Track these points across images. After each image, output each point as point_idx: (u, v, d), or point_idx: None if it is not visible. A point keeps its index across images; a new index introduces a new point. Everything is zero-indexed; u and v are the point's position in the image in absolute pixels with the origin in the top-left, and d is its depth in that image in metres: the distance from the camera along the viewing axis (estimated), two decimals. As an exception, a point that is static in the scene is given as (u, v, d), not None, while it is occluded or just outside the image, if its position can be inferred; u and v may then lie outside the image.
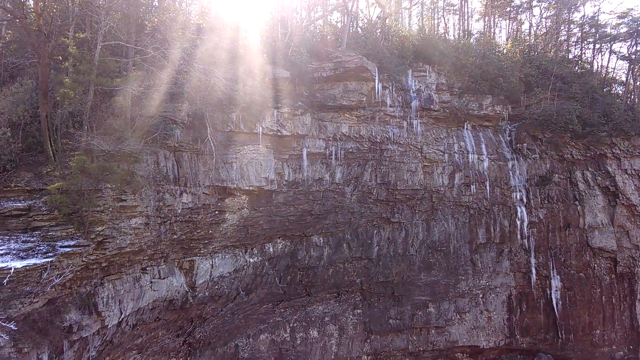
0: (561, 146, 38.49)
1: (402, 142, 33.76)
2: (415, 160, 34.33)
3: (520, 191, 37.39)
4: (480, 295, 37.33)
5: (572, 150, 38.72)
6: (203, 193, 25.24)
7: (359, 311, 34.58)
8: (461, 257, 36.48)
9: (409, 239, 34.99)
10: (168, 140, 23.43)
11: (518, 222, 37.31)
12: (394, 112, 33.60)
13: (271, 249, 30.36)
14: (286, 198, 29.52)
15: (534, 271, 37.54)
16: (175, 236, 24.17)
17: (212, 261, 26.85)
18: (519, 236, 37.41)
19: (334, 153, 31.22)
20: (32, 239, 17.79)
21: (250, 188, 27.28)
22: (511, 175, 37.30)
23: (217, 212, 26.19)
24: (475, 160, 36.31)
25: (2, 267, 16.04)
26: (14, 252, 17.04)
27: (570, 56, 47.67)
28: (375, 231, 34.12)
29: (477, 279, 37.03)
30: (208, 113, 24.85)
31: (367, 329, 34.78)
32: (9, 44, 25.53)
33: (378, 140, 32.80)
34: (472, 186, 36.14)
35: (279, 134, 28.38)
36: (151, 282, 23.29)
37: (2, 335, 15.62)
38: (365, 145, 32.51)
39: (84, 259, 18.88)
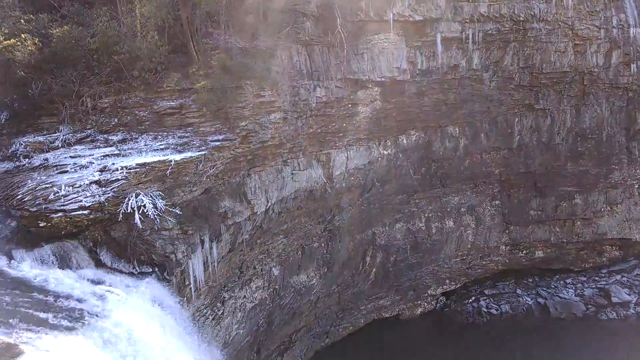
0: None
1: (549, 19, 30.29)
2: (564, 38, 30.83)
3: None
4: (636, 186, 34.31)
5: None
6: (335, 86, 25.38)
7: (497, 202, 33.81)
8: (615, 145, 33.34)
9: (554, 127, 32.54)
10: (299, 34, 23.55)
11: (685, 105, 32.76)
12: (540, -16, 30.00)
13: (405, 141, 30.18)
14: (419, 88, 28.65)
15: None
16: (311, 130, 24.94)
17: (347, 154, 27.48)
18: (685, 120, 33.02)
19: (470, 36, 29.07)
20: (186, 135, 19.51)
21: (382, 79, 26.81)
22: (682, 50, 32.23)
23: (350, 105, 26.35)
24: (637, 34, 31.70)
25: (164, 160, 17.95)
26: (172, 146, 18.90)
27: None
28: (516, 119, 32.16)
29: (632, 169, 33.92)
30: (337, 2, 24.29)
31: (505, 220, 34.12)
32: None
33: (521, 18, 29.75)
34: (632, 65, 31.96)
35: (410, 19, 26.99)
36: (292, 174, 24.65)
37: (169, 219, 17.78)
38: (507, 26, 29.74)
39: (232, 152, 20.42)
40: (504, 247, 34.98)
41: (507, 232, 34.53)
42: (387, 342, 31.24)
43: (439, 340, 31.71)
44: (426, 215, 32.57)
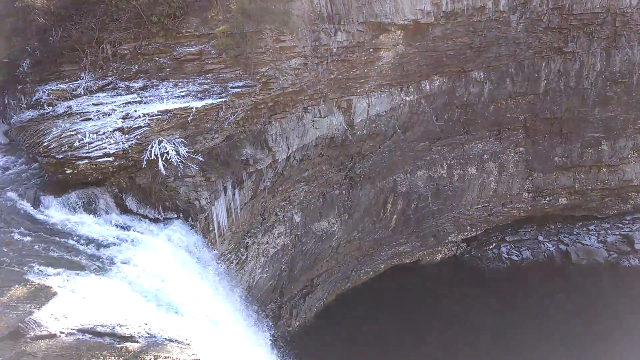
0: None
1: (581, -44, 28.82)
2: (596, -23, 29.37)
3: None
4: (665, 132, 33.40)
5: None
6: (357, 30, 24.71)
7: (521, 149, 33.30)
8: (646, 90, 32.24)
9: (583, 71, 31.45)
10: (320, -24, 22.79)
11: None
12: None
13: (427, 87, 29.55)
14: (443, 31, 27.74)
15: None
16: (332, 76, 24.54)
17: (369, 100, 27.09)
18: None
19: (498, -24, 27.84)
20: (206, 81, 19.38)
21: (405, 22, 25.97)
22: None
23: (371, 50, 25.72)
24: (675, -29, 30.00)
25: (185, 107, 17.96)
26: (193, 93, 18.84)
27: None
28: (543, 63, 31.11)
29: (663, 114, 32.88)
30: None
31: (529, 166, 33.69)
32: None
33: (551, -44, 28.34)
34: (668, 5, 30.39)
35: (435, -42, 25.87)
36: (313, 121, 24.47)
37: (192, 165, 17.96)
38: (536, -36, 28.40)
39: (252, 98, 20.29)
40: (526, 194, 34.72)
41: (531, 179, 34.16)
42: (406, 287, 31.81)
43: (459, 286, 32.14)
44: (448, 162, 32.31)
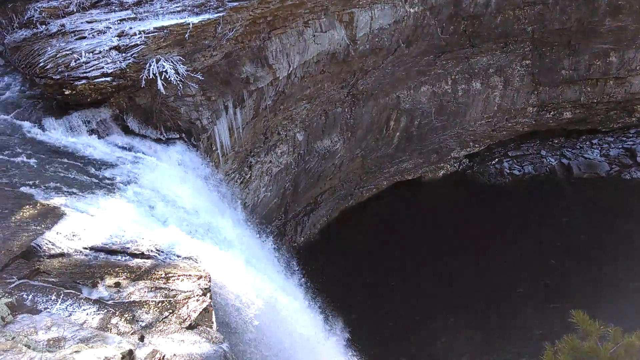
0: None
1: None
2: None
3: None
4: (676, 43, 32.42)
5: None
6: (359, -64, 23.39)
7: (527, 62, 32.50)
8: (660, -3, 30.90)
9: (595, -23, 30.07)
10: None
11: None
12: None
13: (433, -3, 28.37)
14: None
15: None
16: (333, -13, 23.51)
17: (372, 13, 26.06)
18: None
19: None
20: (202, -5, 18.60)
21: None
22: None
23: (375, -42, 24.50)
24: None
25: (182, 23, 17.35)
26: (189, 8, 18.18)
27: None
28: (554, -30, 29.69)
29: (674, 23, 31.74)
30: None
31: (535, 80, 33.05)
32: None
33: None
34: None
35: None
36: (314, 36, 23.70)
37: (192, 84, 17.63)
38: None
39: (250, 13, 19.53)
40: (531, 108, 34.32)
41: (536, 92, 33.63)
42: (409, 203, 32.29)
43: (461, 201, 32.61)
44: (453, 77, 31.67)
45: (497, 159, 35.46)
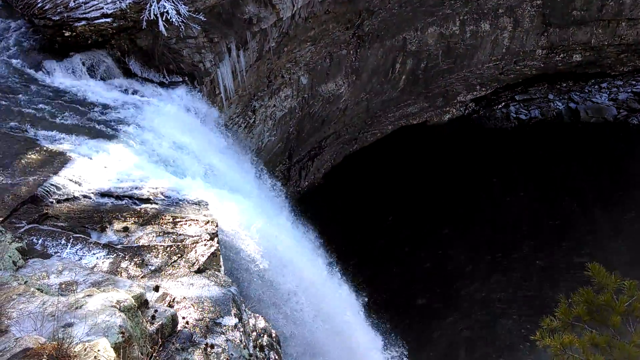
0: None
1: None
2: None
3: None
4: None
5: None
6: None
7: (538, 2, 31.40)
8: None
9: None
10: None
11: None
12: None
13: None
14: None
15: None
16: None
17: (379, -51, 25.07)
18: None
19: None
20: None
21: None
22: None
23: None
24: None
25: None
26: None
27: None
28: None
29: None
30: None
31: (545, 21, 32.07)
32: None
33: None
34: None
35: None
36: (318, -26, 22.88)
37: (194, 25, 17.17)
38: None
39: (253, -51, 18.78)
40: (540, 50, 33.49)
41: (546, 34, 32.71)
42: (414, 147, 32.14)
43: (466, 145, 32.42)
44: (461, 17, 30.71)
45: (503, 103, 34.97)
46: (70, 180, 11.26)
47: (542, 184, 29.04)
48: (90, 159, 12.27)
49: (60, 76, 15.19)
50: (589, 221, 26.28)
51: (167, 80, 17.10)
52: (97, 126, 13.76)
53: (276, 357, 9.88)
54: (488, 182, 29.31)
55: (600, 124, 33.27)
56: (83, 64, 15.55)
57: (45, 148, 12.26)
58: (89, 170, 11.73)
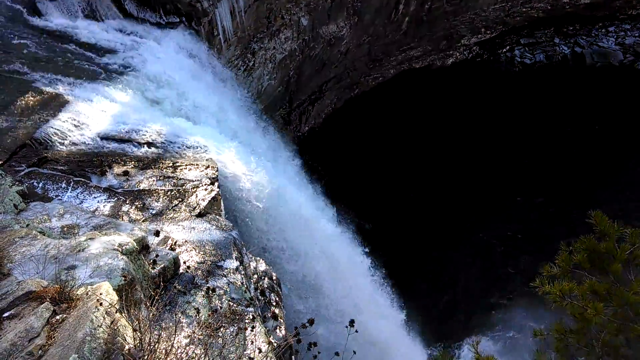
0: None
1: None
2: None
3: None
4: None
5: None
6: None
7: (549, -60, 30.14)
8: None
9: None
10: None
11: None
12: None
13: None
14: None
15: None
16: None
17: None
18: None
19: None
20: None
21: None
22: None
23: None
24: None
25: None
26: None
27: None
28: None
29: None
30: None
31: (555, -40, 30.93)
32: None
33: None
34: None
35: None
36: None
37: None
38: None
39: None
40: None
41: (555, -26, 31.64)
42: (417, 92, 31.67)
43: (469, 90, 31.95)
44: (467, -44, 29.59)
45: (508, 47, 34.17)
46: (69, 123, 11.13)
47: (545, 128, 28.81)
48: (88, 101, 12.09)
49: (55, 17, 14.77)
50: (592, 166, 26.26)
51: (163, 20, 16.65)
52: (93, 68, 13.48)
53: (277, 299, 10.07)
54: (491, 126, 29.07)
55: (605, 68, 32.65)
56: (78, 3, 15.06)
57: (42, 90, 12.05)
58: (87, 113, 11.58)
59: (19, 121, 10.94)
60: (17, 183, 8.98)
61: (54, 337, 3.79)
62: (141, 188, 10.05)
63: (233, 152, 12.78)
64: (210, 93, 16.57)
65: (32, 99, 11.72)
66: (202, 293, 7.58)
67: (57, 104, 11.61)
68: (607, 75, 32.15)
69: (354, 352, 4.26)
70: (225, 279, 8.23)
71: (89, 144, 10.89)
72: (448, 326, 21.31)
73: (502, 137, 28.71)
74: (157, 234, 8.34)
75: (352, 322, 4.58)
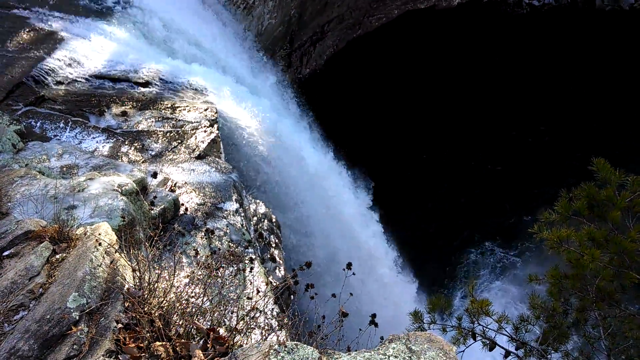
0: None
1: None
2: None
3: None
4: None
5: None
6: None
7: None
8: None
9: None
10: None
11: None
12: None
13: None
14: None
15: None
16: None
17: None
18: None
19: None
20: None
21: None
22: None
23: None
24: None
25: None
26: None
27: None
28: None
29: None
30: None
31: None
32: None
33: None
34: None
35: None
36: None
37: None
38: None
39: None
40: None
41: None
42: (421, 33, 30.87)
43: (476, 32, 31.12)
44: None
45: (517, -12, 33.08)
46: (65, 61, 10.89)
47: (553, 72, 28.29)
48: (83, 39, 11.79)
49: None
50: (600, 111, 25.98)
51: (160, -46, 15.97)
52: (87, 4, 13.06)
53: (276, 241, 10.20)
54: (497, 69, 28.53)
55: (615, 12, 31.70)
56: None
57: (36, 27, 11.72)
58: (82, 51, 11.32)
59: (14, 59, 10.70)
60: (14, 122, 8.89)
61: (54, 276, 3.83)
62: (140, 129, 9.96)
63: (232, 93, 12.59)
64: (209, 33, 16.16)
65: (26, 35, 11.41)
66: (202, 234, 7.66)
67: (52, 42, 11.32)
68: (616, 19, 31.27)
69: (351, 294, 4.34)
70: (225, 220, 8.29)
71: (85, 83, 10.71)
72: (445, 272, 21.75)
73: (507, 81, 28.23)
74: (155, 175, 8.33)
75: (349, 265, 4.64)
